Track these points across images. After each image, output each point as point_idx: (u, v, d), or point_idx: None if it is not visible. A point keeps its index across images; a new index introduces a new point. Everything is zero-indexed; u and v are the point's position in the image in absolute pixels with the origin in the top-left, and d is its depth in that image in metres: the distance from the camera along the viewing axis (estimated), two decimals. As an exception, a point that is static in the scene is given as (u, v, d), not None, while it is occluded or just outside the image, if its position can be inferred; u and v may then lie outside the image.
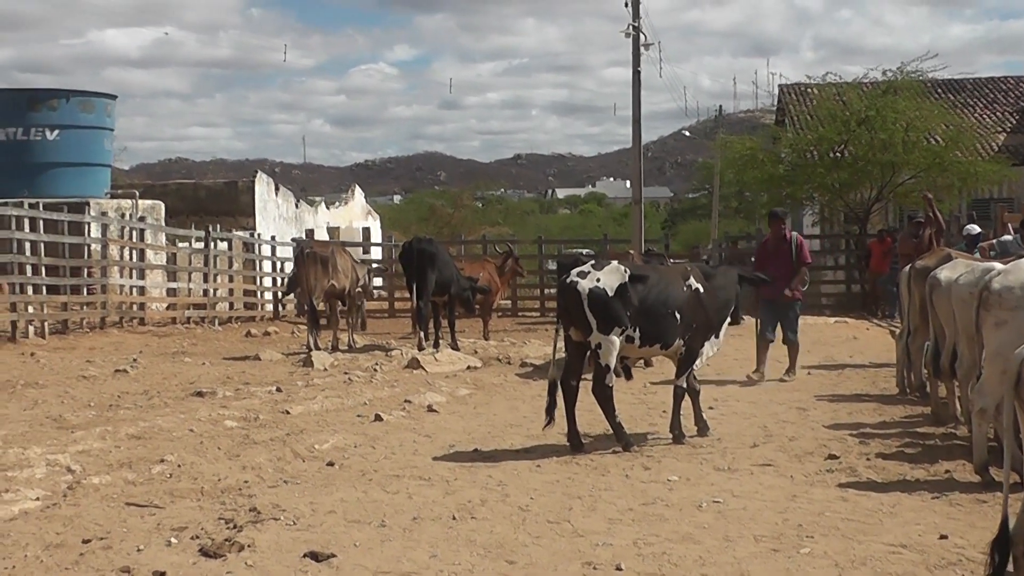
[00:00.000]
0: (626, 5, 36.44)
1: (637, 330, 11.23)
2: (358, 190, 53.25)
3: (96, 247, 25.21)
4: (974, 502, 8.92)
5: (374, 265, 30.19)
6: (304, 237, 38.96)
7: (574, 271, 11.31)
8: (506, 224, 74.14)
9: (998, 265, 10.93)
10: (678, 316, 11.46)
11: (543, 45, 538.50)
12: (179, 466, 10.05)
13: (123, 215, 28.70)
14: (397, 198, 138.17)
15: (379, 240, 44.36)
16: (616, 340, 11.09)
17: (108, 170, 35.77)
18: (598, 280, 11.08)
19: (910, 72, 35.21)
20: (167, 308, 27.95)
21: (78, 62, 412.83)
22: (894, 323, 24.35)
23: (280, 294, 31.63)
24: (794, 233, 17.13)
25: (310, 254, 21.58)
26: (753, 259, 17.42)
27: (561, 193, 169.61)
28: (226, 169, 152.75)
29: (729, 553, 7.55)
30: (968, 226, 19.50)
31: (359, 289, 23.04)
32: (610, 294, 11.03)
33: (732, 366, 17.17)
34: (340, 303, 22.73)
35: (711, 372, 16.62)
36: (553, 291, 32.86)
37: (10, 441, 11.05)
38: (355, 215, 50.72)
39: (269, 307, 32.60)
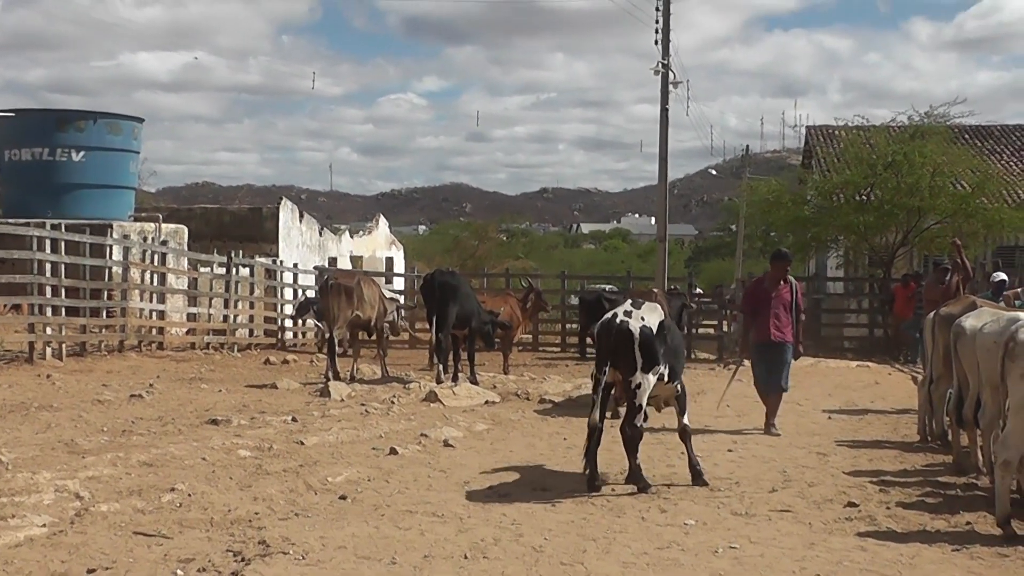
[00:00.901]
0: (656, 43, 36.48)
1: (667, 367, 11.24)
2: (382, 219, 53.31)
3: (117, 270, 25.20)
4: (995, 555, 8.75)
5: (401, 301, 29.86)
6: (326, 265, 38.95)
7: (619, 311, 11.22)
8: (530, 258, 74.16)
9: (1024, 315, 10.79)
10: (683, 352, 11.46)
11: (571, 80, 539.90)
12: (190, 495, 9.93)
13: (145, 238, 28.74)
14: (422, 228, 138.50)
15: (402, 270, 44.34)
16: (653, 379, 11.08)
17: (133, 193, 35.75)
18: (643, 319, 11.04)
19: (938, 117, 35.14)
20: (187, 333, 27.92)
21: (109, 84, 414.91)
22: (916, 368, 24.17)
23: (291, 320, 31.55)
24: (791, 278, 16.50)
25: (334, 285, 21.52)
26: (742, 299, 16.82)
27: (586, 228, 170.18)
28: (253, 194, 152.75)
29: (744, 602, 7.41)
30: (995, 273, 19.29)
31: (388, 321, 22.94)
32: (655, 333, 10.99)
33: (753, 408, 16.96)
34: (365, 333, 22.68)
35: (733, 413, 16.47)
36: (574, 326, 32.80)
37: (20, 465, 10.94)
38: (379, 244, 50.76)
39: (289, 335, 32.58)
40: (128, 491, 10.04)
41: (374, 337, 22.98)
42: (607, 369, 11.13)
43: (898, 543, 9.04)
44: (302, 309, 28.67)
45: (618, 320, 11.09)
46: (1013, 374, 9.52)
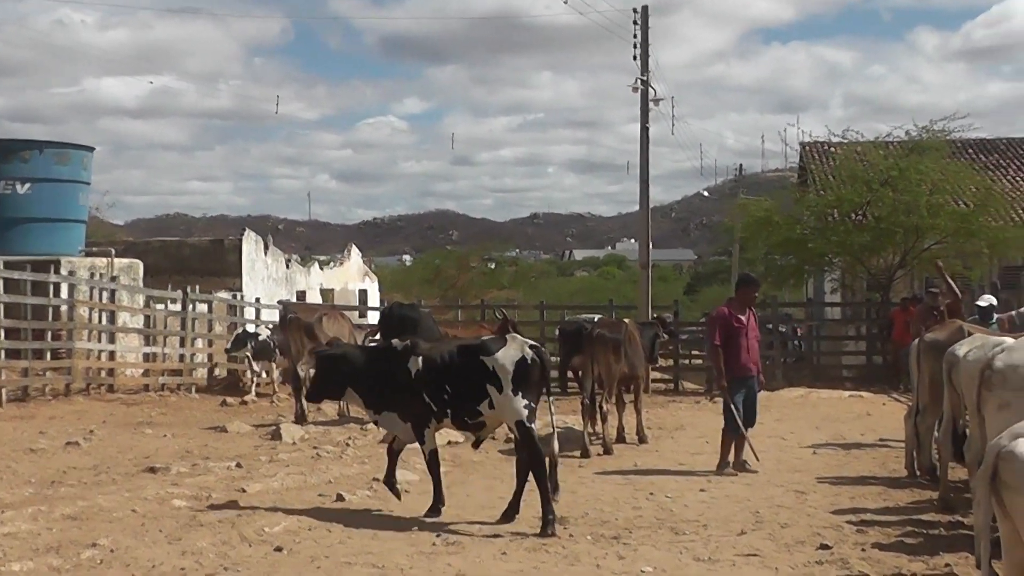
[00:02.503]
0: (635, 58, 36.54)
1: None
2: (355, 250, 53.16)
3: (63, 308, 25.01)
4: (972, 600, 8.61)
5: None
6: (293, 300, 38.76)
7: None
8: (515, 287, 73.94)
9: (1009, 340, 10.64)
10: None
11: (560, 100, 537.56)
12: (112, 551, 9.79)
13: (93, 275, 28.57)
14: (407, 258, 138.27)
15: (376, 303, 44.18)
16: None
17: (83, 226, 35.46)
18: None
19: (937, 131, 35.03)
20: (142, 374, 27.73)
21: (72, 111, 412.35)
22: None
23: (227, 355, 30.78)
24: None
25: (293, 319, 21.42)
26: (711, 330, 15.96)
27: (579, 255, 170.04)
28: (226, 225, 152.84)
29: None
30: (983, 296, 18.99)
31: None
32: None
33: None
34: None
35: (711, 450, 16.33)
36: (555, 360, 32.61)
37: (-71, 523, 10.78)
38: (351, 276, 50.58)
39: (248, 374, 32.42)
40: (46, 548, 9.90)
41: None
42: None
43: (869, 587, 8.91)
44: (237, 343, 28.17)
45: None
46: (990, 405, 9.36)
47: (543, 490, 11.19)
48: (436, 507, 11.94)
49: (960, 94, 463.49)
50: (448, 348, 12.10)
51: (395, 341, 12.62)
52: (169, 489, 12.85)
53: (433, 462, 12.10)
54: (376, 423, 13.01)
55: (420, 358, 11.85)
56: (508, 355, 11.47)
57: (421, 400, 11.82)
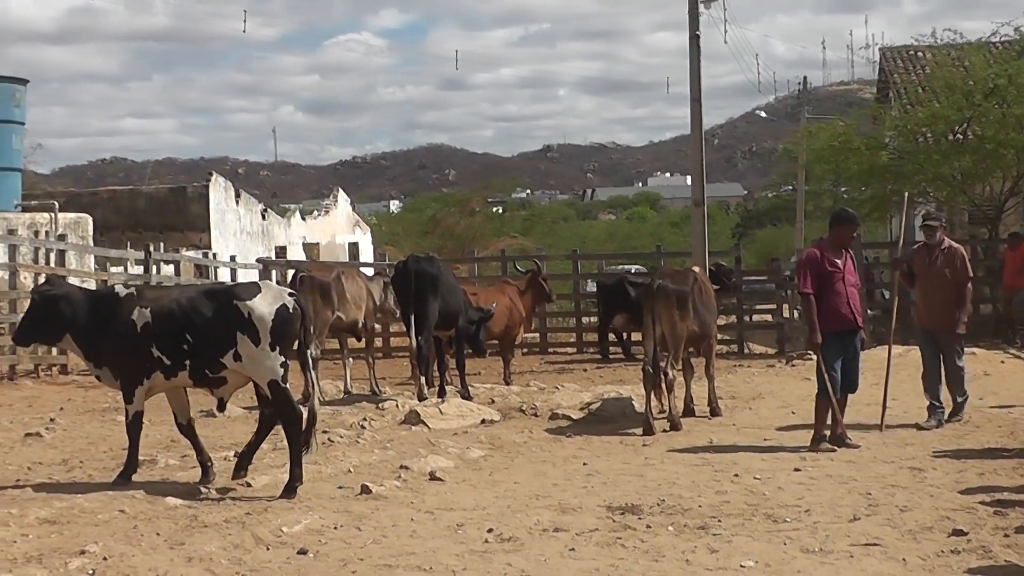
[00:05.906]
0: (679, -54, 36.14)
1: None
2: (342, 195, 53.14)
3: (2, 275, 25.01)
4: None
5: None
6: (273, 256, 38.79)
7: None
8: (530, 235, 73.97)
9: None
10: None
11: (569, 5, 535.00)
12: (105, 559, 9.86)
13: (36, 232, 28.60)
14: (395, 204, 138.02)
15: (369, 258, 44.20)
16: None
17: (19, 176, 35.36)
18: None
19: (1059, 25, 34.68)
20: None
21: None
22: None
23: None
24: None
25: (305, 279, 21.39)
26: (801, 276, 15.96)
27: (603, 194, 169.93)
28: (175, 171, 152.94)
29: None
30: None
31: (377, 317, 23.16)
32: None
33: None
34: (354, 338, 22.82)
35: (800, 421, 16.42)
36: (593, 320, 32.74)
37: None
38: (339, 227, 50.60)
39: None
40: (25, 557, 9.96)
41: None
42: None
43: (1022, 581, 9.00)
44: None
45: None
46: None
47: (296, 452, 12.61)
48: (126, 473, 13.12)
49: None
50: (189, 293, 13.06)
51: (118, 287, 13.64)
52: (160, 485, 12.96)
53: (134, 425, 13.10)
54: (98, 378, 13.59)
55: (148, 309, 12.79)
56: (266, 302, 12.52)
57: (147, 355, 12.70)
